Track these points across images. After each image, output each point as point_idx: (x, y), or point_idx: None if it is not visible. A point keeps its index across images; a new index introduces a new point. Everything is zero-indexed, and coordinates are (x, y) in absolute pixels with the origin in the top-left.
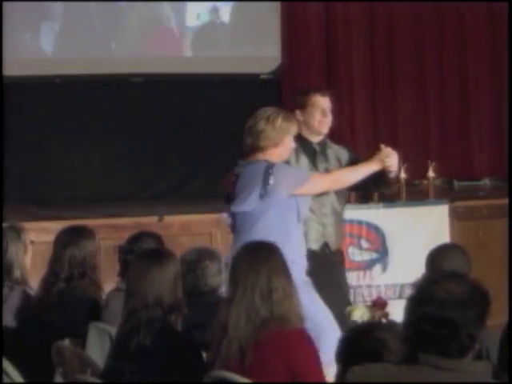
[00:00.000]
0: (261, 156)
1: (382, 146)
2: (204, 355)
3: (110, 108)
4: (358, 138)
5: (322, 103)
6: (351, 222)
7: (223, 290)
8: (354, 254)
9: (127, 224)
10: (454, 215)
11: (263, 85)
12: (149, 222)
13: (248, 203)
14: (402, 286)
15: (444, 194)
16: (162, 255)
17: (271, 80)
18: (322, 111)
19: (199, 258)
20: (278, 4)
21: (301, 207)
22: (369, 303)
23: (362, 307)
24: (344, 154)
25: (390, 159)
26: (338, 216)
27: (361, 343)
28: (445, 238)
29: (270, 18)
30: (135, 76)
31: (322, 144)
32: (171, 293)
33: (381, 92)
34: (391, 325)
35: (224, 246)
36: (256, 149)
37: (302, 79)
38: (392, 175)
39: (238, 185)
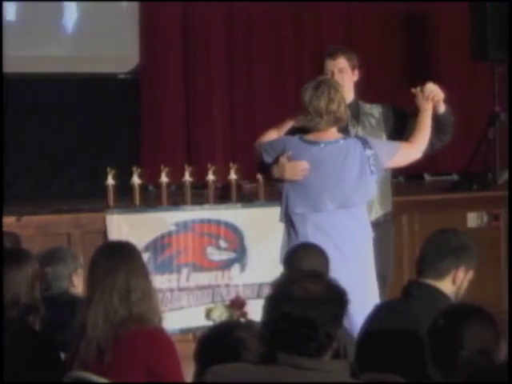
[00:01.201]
0: (334, 132)
1: (413, 90)
2: (63, 355)
3: None
4: (216, 138)
5: (331, 67)
6: (209, 221)
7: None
8: (213, 254)
9: None
10: None
11: (122, 84)
12: (7, 222)
13: (366, 190)
14: (261, 286)
15: None
16: (20, 255)
17: (130, 80)
18: (330, 76)
19: (41, 264)
20: (137, 4)
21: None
22: (227, 303)
23: (220, 307)
24: (378, 113)
25: (429, 90)
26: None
27: (219, 343)
28: None
29: (129, 17)
30: None
31: (353, 106)
32: (28, 292)
33: (239, 93)
34: (250, 324)
35: (82, 246)
36: (335, 125)
37: (161, 79)
38: (442, 109)
39: (326, 169)
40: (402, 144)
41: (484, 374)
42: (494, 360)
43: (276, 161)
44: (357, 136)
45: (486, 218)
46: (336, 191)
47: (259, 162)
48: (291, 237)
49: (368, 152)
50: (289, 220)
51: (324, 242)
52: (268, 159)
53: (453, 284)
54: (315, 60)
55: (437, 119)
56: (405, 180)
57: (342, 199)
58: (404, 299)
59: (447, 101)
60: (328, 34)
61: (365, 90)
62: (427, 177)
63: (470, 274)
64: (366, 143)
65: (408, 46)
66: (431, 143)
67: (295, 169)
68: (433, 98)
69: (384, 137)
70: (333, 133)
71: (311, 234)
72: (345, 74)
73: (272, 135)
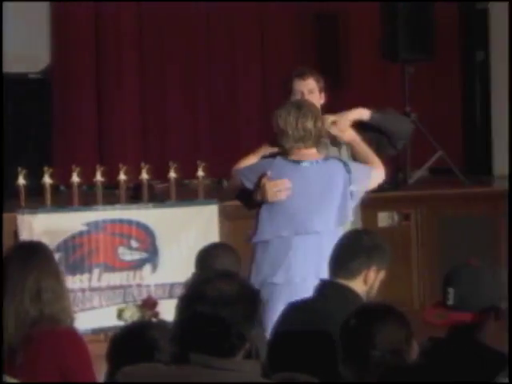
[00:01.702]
0: (315, 152)
1: (332, 141)
2: None
3: None
4: (127, 137)
5: (300, 87)
6: (121, 221)
7: None
8: (124, 254)
9: None
10: (223, 214)
11: (33, 84)
12: None
13: (346, 213)
14: (172, 286)
15: (213, 193)
16: None
17: (40, 79)
18: (300, 97)
19: None
20: (47, 4)
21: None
22: (139, 303)
23: (131, 307)
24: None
25: (330, 124)
26: None
27: (131, 343)
28: (214, 237)
29: (39, 17)
30: None
31: None
32: None
33: (151, 93)
34: (162, 324)
35: None
36: (319, 144)
37: (72, 79)
38: (366, 116)
39: (312, 190)
40: (370, 166)
41: (396, 374)
42: (406, 359)
43: (258, 184)
44: (336, 157)
45: (396, 218)
46: (322, 213)
47: (238, 189)
48: (262, 262)
49: (348, 174)
50: (266, 243)
51: (305, 266)
52: (249, 185)
53: (364, 284)
54: (227, 60)
55: (373, 127)
56: None
57: (327, 222)
58: (316, 299)
59: (357, 101)
60: (240, 34)
61: (277, 90)
62: None
63: (382, 274)
64: (346, 165)
65: (319, 46)
66: (394, 148)
67: (276, 188)
68: (341, 126)
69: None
70: (315, 153)
71: (292, 257)
72: (314, 96)
73: (251, 161)
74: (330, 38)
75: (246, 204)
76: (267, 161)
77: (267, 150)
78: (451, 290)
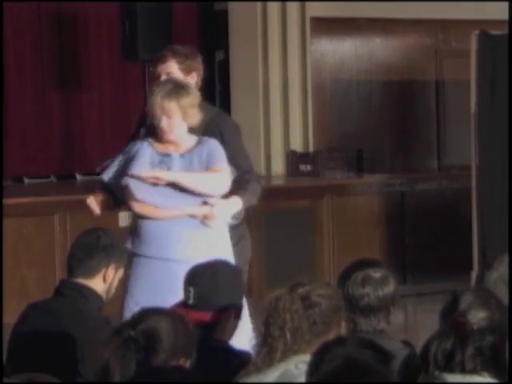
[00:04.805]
0: None
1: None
2: None
3: None
4: None
5: (160, 70)
6: None
7: None
8: None
9: None
10: None
11: None
12: None
13: None
14: None
15: None
16: None
17: None
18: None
19: None
20: None
21: None
22: None
23: None
24: None
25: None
26: None
27: None
28: None
29: None
30: None
31: None
32: None
33: None
34: None
35: None
36: None
37: None
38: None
39: None
40: None
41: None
42: None
43: None
44: None
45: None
46: None
47: None
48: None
49: None
50: None
51: None
52: None
53: (104, 282)
54: None
55: None
56: (56, 180)
57: None
58: (55, 299)
59: (97, 103)
60: None
61: (13, 92)
62: (79, 176)
63: (120, 272)
64: None
65: (59, 46)
66: None
67: None
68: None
69: None
70: None
71: None
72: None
73: None
74: (70, 38)
75: None
76: None
77: None
78: (192, 289)
